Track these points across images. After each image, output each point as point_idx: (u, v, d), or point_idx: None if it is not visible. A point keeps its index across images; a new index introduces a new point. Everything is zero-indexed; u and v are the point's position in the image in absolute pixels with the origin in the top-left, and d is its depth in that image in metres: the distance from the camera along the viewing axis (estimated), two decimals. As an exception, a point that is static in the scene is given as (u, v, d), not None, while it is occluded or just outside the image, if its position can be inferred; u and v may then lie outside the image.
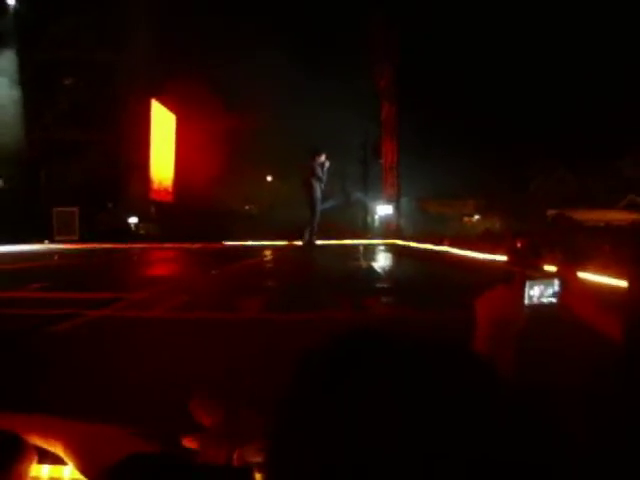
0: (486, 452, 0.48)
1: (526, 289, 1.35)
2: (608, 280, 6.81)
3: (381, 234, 23.66)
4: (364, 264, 12.08)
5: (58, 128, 22.68)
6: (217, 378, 3.07)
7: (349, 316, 5.65)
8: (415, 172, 24.73)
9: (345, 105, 23.13)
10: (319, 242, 16.06)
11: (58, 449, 0.96)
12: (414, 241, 19.61)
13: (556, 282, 1.41)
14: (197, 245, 17.92)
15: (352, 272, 10.52)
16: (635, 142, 24.79)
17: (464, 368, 0.55)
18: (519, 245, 1.52)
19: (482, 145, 24.41)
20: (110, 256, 14.99)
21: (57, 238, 20.74)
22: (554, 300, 1.40)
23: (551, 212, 23.47)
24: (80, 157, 22.55)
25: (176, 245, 18.08)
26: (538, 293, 1.38)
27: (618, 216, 21.43)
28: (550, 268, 1.53)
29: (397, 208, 25.64)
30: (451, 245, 16.05)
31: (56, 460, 0.98)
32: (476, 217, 28.79)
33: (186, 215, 22.78)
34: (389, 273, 10.90)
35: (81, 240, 20.28)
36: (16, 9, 22.33)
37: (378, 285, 8.79)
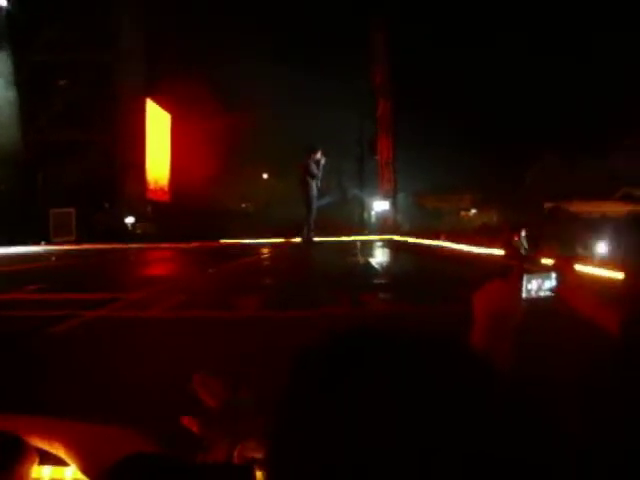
0: (483, 448, 0.48)
1: (524, 282, 1.35)
2: (605, 273, 6.82)
3: (378, 230, 23.66)
4: (362, 260, 12.08)
5: (54, 129, 22.63)
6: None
7: (347, 312, 5.66)
8: (411, 168, 24.80)
9: (340, 102, 23.21)
10: (317, 239, 16.07)
11: (59, 450, 0.96)
12: (411, 236, 19.62)
13: (553, 275, 1.41)
14: (194, 244, 17.89)
15: (350, 268, 10.52)
16: (629, 134, 24.84)
17: (461, 363, 0.55)
18: (516, 239, 1.53)
19: (478, 140, 24.45)
20: (107, 256, 14.96)
21: (54, 239, 20.68)
22: (551, 293, 1.40)
23: (548, 205, 23.47)
24: (76, 158, 22.50)
25: (173, 244, 18.05)
26: (536, 286, 1.38)
27: (614, 207, 21.46)
28: (547, 261, 1.53)
29: (394, 204, 25.67)
30: (448, 240, 16.07)
31: (57, 461, 0.98)
32: (473, 211, 28.81)
33: (183, 214, 22.75)
34: (386, 269, 10.91)
35: (78, 241, 20.20)
36: (8, 10, 22.24)
37: (375, 281, 8.80)
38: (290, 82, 23.04)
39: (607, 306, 1.53)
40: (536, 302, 1.37)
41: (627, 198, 22.25)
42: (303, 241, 15.65)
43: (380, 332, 0.59)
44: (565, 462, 0.52)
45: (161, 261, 15.12)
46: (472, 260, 11.60)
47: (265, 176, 29.39)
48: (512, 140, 24.68)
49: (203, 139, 24.52)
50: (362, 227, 24.53)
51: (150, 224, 23.90)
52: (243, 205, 28.15)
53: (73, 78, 23.07)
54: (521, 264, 1.40)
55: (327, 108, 22.53)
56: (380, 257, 13.81)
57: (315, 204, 15.52)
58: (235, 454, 0.96)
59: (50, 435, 0.97)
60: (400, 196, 26.63)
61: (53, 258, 14.01)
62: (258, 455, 0.93)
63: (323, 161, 15.36)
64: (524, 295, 1.36)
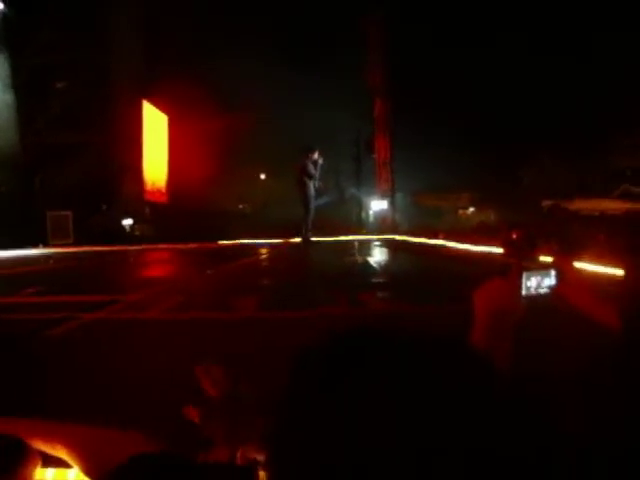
0: (484, 447, 0.48)
1: (523, 280, 1.36)
2: (604, 270, 6.83)
3: (376, 229, 23.70)
4: (360, 260, 12.09)
5: (50, 132, 22.59)
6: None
7: (346, 313, 5.66)
8: (409, 167, 24.79)
9: (338, 102, 23.22)
10: (314, 239, 16.09)
11: (62, 453, 0.96)
12: (409, 235, 19.65)
13: (553, 273, 1.41)
14: (192, 245, 17.89)
15: (348, 268, 10.53)
16: (628, 130, 24.85)
17: (461, 362, 0.55)
18: (515, 237, 1.53)
19: (476, 138, 24.44)
20: (105, 258, 14.96)
21: (52, 242, 20.67)
22: (551, 290, 1.40)
23: (546, 203, 23.48)
24: (73, 160, 22.45)
25: (171, 246, 18.06)
26: (535, 284, 1.38)
27: (612, 205, 21.49)
28: (546, 259, 1.53)
29: (392, 203, 25.70)
30: (446, 238, 16.09)
31: (60, 463, 0.99)
32: (471, 210, 28.79)
33: (180, 215, 22.75)
34: (385, 268, 10.90)
35: (76, 243, 20.20)
36: (5, 13, 22.22)
37: (374, 280, 8.80)
38: (287, 82, 23.08)
39: (607, 302, 1.54)
40: (536, 299, 1.37)
41: (626, 196, 22.26)
42: (301, 241, 15.69)
43: (379, 332, 0.58)
44: (565, 460, 0.51)
45: (159, 263, 15.12)
46: (471, 258, 11.61)
47: (262, 177, 29.39)
48: (510, 139, 24.70)
49: (200, 140, 24.51)
50: (360, 227, 24.57)
51: (148, 226, 23.88)
52: (240, 206, 28.15)
53: (70, 80, 23.04)
54: (520, 262, 1.40)
55: (324, 108, 22.56)
56: (379, 256, 13.81)
57: (313, 204, 15.55)
58: (238, 455, 0.96)
59: (52, 438, 0.98)
60: (398, 195, 26.67)
61: (51, 261, 14.00)
62: (260, 457, 0.94)
63: (321, 161, 15.39)
64: (524, 292, 1.36)
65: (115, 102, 23.39)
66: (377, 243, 18.09)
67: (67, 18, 22.00)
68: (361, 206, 26.83)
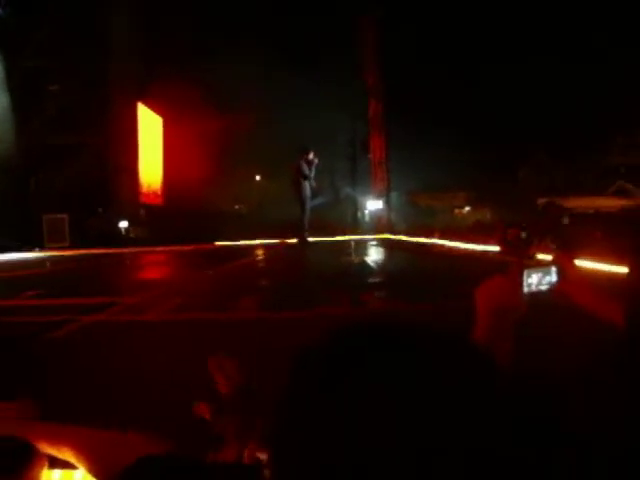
0: (484, 446, 0.48)
1: (524, 277, 1.36)
2: (602, 267, 6.85)
3: (372, 229, 23.70)
4: (357, 259, 12.09)
5: (45, 134, 22.50)
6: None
7: (344, 312, 5.66)
8: (404, 166, 24.76)
9: (333, 103, 23.20)
10: (311, 239, 16.11)
11: (68, 455, 0.97)
12: (405, 235, 19.66)
13: (554, 270, 1.42)
14: (189, 247, 17.86)
15: (345, 268, 10.53)
16: (622, 128, 24.93)
17: (462, 361, 0.55)
18: (510, 235, 1.53)
19: (471, 137, 24.44)
20: (102, 261, 14.93)
21: (48, 245, 20.61)
22: (551, 287, 1.41)
23: (541, 201, 23.54)
24: (68, 162, 22.39)
25: (167, 247, 18.02)
26: (536, 281, 1.38)
27: (607, 202, 21.55)
28: (543, 257, 1.54)
29: (387, 203, 25.70)
30: (442, 237, 16.11)
31: (67, 465, 0.99)
32: (467, 209, 28.80)
33: (176, 217, 22.68)
34: (382, 267, 10.91)
35: (72, 246, 20.16)
36: (0, 15, 22.16)
37: (371, 280, 8.80)
38: (282, 83, 23.00)
39: (608, 299, 1.54)
40: (536, 296, 1.38)
41: (621, 193, 22.33)
42: (298, 241, 15.72)
43: (379, 331, 0.58)
44: (565, 460, 0.51)
45: (156, 264, 15.10)
46: (467, 257, 11.63)
47: (258, 177, 29.34)
48: (505, 137, 24.72)
49: (195, 142, 24.43)
50: (356, 226, 24.55)
51: (143, 228, 23.80)
52: (236, 207, 28.07)
53: (65, 82, 22.96)
54: (521, 259, 1.41)
55: (320, 109, 22.53)
56: (375, 256, 13.82)
57: (309, 204, 15.58)
58: (245, 454, 0.97)
59: (58, 440, 0.98)
60: (393, 195, 26.63)
61: (47, 264, 13.97)
62: (264, 456, 0.94)
63: (316, 161, 15.41)
64: (525, 290, 1.36)
65: (110, 104, 23.32)
66: (373, 243, 18.09)
67: (62, 20, 21.92)
68: (357, 206, 26.79)
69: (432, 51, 24.72)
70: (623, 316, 1.48)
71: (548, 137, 25.28)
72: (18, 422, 1.02)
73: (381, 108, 25.16)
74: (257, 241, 18.67)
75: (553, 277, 1.41)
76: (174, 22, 23.78)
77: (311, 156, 15.34)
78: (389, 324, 0.59)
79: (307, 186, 15.37)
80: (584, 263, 6.80)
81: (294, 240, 16.01)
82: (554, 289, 1.41)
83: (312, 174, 15.41)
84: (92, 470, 0.94)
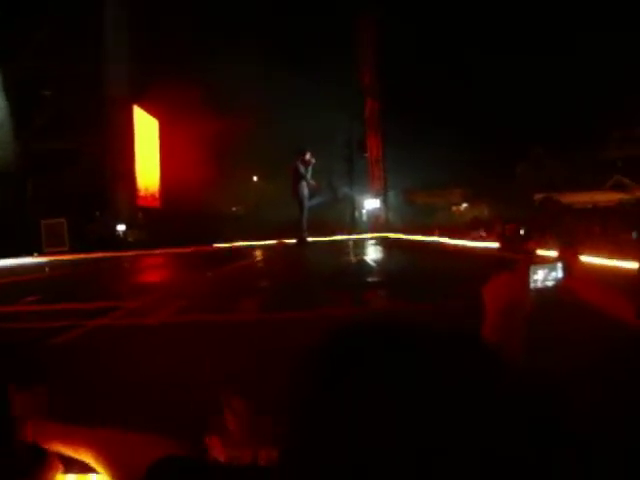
0: (487, 446, 0.48)
1: (530, 273, 1.37)
2: (604, 262, 6.86)
3: (370, 228, 23.70)
4: (356, 259, 12.09)
5: (42, 138, 22.47)
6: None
7: (345, 312, 5.66)
8: (401, 165, 24.73)
9: (330, 103, 23.15)
10: (310, 239, 16.13)
11: (86, 456, 0.97)
12: (403, 233, 19.67)
13: (559, 266, 1.42)
14: (188, 249, 17.84)
15: (345, 267, 10.53)
16: (618, 121, 24.93)
17: (466, 360, 0.55)
18: (509, 231, 1.53)
19: (466, 134, 24.40)
20: (102, 265, 14.91)
21: (46, 250, 20.58)
22: (557, 283, 1.41)
23: (538, 196, 23.52)
24: (65, 167, 22.38)
25: (166, 250, 18.01)
26: (542, 277, 1.39)
27: (605, 197, 21.54)
28: (542, 252, 1.54)
29: (384, 201, 25.71)
30: (441, 235, 16.11)
31: (82, 468, 0.99)
32: (464, 206, 28.74)
33: (174, 219, 22.67)
34: (382, 266, 10.91)
35: (71, 251, 20.12)
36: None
37: (371, 279, 8.81)
38: (279, 84, 22.99)
39: (618, 295, 1.54)
40: (542, 292, 1.38)
41: (618, 187, 22.32)
42: (297, 242, 15.74)
43: (380, 330, 0.58)
44: (565, 460, 0.51)
45: (155, 267, 15.09)
46: (466, 254, 11.61)
47: (255, 178, 29.30)
48: (501, 134, 24.70)
49: (192, 144, 24.38)
50: (354, 226, 24.55)
51: (142, 231, 23.79)
52: (234, 208, 28.04)
53: (60, 86, 22.91)
54: (528, 256, 1.42)
55: (316, 109, 22.50)
56: (374, 255, 13.83)
57: (307, 204, 15.61)
58: (260, 457, 0.97)
59: (76, 442, 0.98)
60: (390, 194, 26.65)
61: (47, 269, 13.95)
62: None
63: (313, 162, 15.45)
64: (531, 286, 1.37)
65: (107, 107, 23.30)
66: (371, 242, 18.10)
67: (58, 24, 21.88)
68: (354, 205, 26.80)
69: (428, 48, 24.68)
70: (634, 312, 1.48)
71: (545, 133, 25.26)
72: (35, 423, 1.02)
73: (377, 107, 25.19)
74: (256, 242, 18.66)
75: (559, 273, 1.42)
76: (169, 23, 23.71)
77: (308, 156, 15.39)
78: (389, 324, 0.59)
79: (304, 186, 15.40)
80: (585, 258, 6.79)
81: (293, 240, 16.02)
82: (560, 285, 1.42)
83: (309, 174, 15.44)
84: (110, 471, 0.94)
